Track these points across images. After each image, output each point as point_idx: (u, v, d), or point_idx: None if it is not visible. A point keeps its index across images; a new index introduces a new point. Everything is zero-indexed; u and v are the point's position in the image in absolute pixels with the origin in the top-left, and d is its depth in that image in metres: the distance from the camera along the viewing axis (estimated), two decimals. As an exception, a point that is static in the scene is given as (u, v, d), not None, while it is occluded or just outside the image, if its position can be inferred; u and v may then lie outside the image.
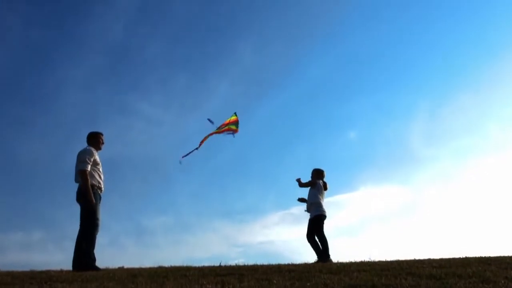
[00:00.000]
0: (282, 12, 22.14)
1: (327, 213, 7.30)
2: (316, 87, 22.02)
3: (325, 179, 7.55)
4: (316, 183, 7.40)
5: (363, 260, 5.74)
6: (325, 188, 7.46)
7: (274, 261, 5.56)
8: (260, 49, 21.80)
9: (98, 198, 5.48)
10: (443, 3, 21.40)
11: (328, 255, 6.88)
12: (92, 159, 5.47)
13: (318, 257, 6.92)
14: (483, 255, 5.39)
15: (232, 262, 5.56)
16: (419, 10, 21.62)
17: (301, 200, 7.56)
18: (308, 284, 3.19)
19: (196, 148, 7.63)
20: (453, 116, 20.15)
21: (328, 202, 7.43)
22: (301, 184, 7.50)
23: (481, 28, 21.07)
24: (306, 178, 7.60)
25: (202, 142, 7.74)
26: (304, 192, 7.56)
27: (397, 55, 22.16)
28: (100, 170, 5.62)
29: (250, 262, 5.53)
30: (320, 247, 7.01)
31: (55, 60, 19.58)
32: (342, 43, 21.95)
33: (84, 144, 5.70)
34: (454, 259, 5.14)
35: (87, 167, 5.38)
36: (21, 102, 18.39)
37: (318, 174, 7.55)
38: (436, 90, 21.31)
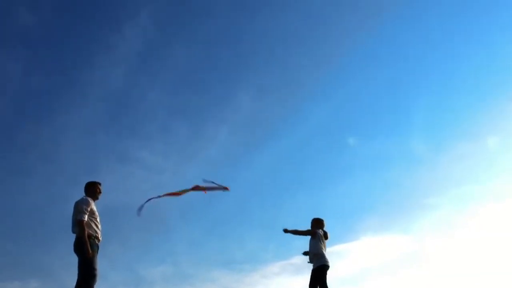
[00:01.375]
0: (281, 59, 22.75)
1: (330, 263, 7.10)
2: (315, 134, 22.21)
3: (325, 228, 7.41)
4: (316, 233, 7.23)
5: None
6: (326, 237, 7.33)
7: (273, 314, 5.41)
8: (260, 96, 22.23)
9: (95, 248, 5.43)
10: (440, 45, 22.06)
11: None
12: (89, 209, 5.46)
13: (319, 310, 6.73)
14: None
15: (231, 315, 5.42)
16: (418, 54, 22.26)
17: (306, 253, 7.37)
18: None
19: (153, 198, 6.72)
20: (452, 163, 20.21)
21: (329, 252, 7.25)
22: (297, 232, 7.29)
23: (477, 73, 21.60)
24: (307, 227, 7.42)
25: (169, 194, 6.93)
26: (305, 245, 7.44)
27: (397, 101, 22.50)
28: (98, 219, 5.59)
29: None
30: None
31: (55, 107, 19.86)
32: (341, 90, 22.38)
33: (83, 194, 5.72)
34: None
35: (84, 217, 5.37)
36: (20, 149, 18.51)
37: (317, 223, 7.40)
38: (434, 137, 21.47)
